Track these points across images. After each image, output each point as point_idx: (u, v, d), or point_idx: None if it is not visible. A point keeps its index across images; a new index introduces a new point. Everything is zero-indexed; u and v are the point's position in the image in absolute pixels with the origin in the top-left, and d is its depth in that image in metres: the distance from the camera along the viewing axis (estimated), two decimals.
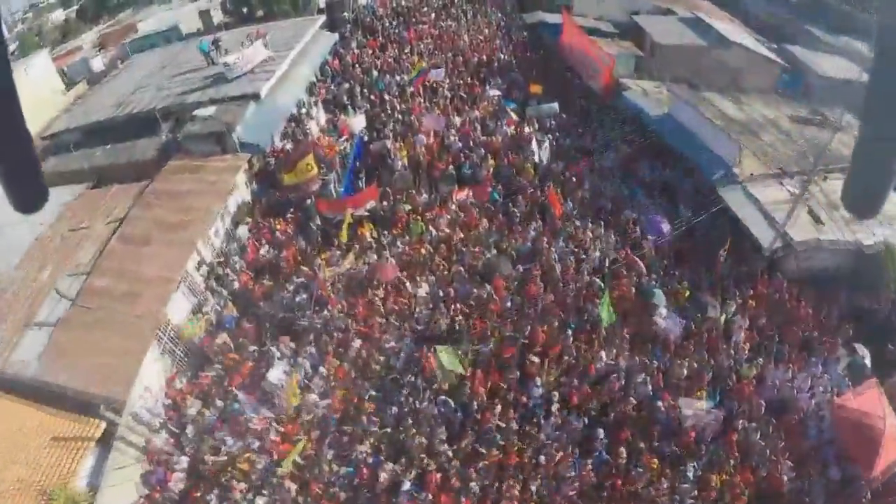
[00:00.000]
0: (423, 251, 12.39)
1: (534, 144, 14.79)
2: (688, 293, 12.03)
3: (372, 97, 18.14)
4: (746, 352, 11.33)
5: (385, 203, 13.60)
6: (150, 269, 11.96)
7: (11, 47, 24.66)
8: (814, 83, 21.56)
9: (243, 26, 23.73)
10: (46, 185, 2.25)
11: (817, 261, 13.27)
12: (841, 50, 24.16)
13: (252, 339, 11.50)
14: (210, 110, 15.40)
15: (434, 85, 18.61)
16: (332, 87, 18.66)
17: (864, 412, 9.82)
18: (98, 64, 23.58)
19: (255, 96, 15.76)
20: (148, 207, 13.60)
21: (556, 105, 16.98)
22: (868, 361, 11.83)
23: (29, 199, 2.20)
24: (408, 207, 13.30)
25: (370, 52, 20.96)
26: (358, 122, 16.15)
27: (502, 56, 21.30)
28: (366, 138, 16.15)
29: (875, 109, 1.97)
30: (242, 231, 13.77)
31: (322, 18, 21.29)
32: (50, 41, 29.16)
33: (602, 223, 13.32)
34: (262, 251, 13.25)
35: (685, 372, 10.70)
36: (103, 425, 9.44)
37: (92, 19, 32.36)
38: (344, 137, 15.71)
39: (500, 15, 25.23)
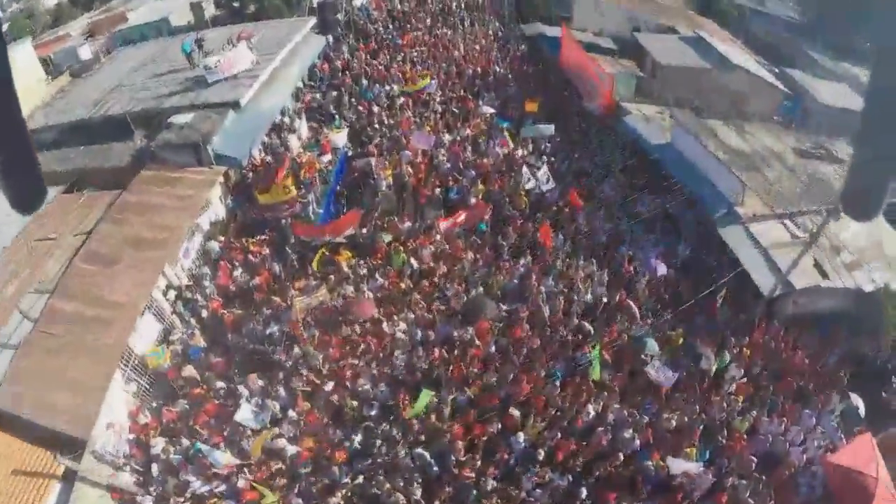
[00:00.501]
0: (402, 286, 11.71)
1: (525, 170, 14.08)
2: (682, 340, 11.44)
3: (360, 107, 17.35)
4: (740, 403, 10.85)
5: (365, 230, 12.78)
6: (115, 293, 11.19)
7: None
8: (814, 110, 21.29)
9: (234, 22, 22.85)
10: (44, 182, 2.19)
11: (816, 304, 12.80)
12: (841, 76, 23.94)
13: (220, 373, 10.75)
14: (187, 117, 14.52)
15: (425, 97, 17.86)
16: (318, 96, 17.82)
17: (857, 469, 9.34)
18: (86, 53, 22.51)
19: (235, 104, 14.85)
20: (117, 222, 12.78)
21: (552, 127, 16.17)
22: (862, 411, 11.51)
23: (27, 196, 2.12)
24: (388, 238, 12.50)
25: (362, 56, 20.18)
26: (341, 137, 15.39)
27: (498, 69, 20.52)
28: (350, 153, 15.45)
29: (872, 119, 1.95)
30: (215, 248, 12.98)
31: (313, 20, 20.42)
32: (41, 25, 28.16)
33: (595, 261, 12.67)
34: (234, 273, 12.47)
35: (674, 425, 10.22)
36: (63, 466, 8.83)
37: (84, 5, 31.22)
38: (327, 157, 14.85)
39: (497, 24, 24.44)
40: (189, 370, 10.79)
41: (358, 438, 9.81)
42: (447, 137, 15.89)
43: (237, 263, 12.68)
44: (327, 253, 12.19)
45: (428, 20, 23.03)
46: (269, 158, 14.58)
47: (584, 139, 17.35)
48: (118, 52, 22.01)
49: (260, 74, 15.86)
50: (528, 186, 13.78)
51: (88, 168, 15.00)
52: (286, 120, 15.89)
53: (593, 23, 23.12)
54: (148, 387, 10.84)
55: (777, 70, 23.72)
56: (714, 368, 11.08)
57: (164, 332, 11.43)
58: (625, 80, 19.10)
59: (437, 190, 14.06)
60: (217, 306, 11.81)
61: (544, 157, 15.31)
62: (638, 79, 20.03)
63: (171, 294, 11.81)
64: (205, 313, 11.78)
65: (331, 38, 20.85)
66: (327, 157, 14.91)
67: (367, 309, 11.03)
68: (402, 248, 12.25)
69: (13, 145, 1.96)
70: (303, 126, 16.37)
